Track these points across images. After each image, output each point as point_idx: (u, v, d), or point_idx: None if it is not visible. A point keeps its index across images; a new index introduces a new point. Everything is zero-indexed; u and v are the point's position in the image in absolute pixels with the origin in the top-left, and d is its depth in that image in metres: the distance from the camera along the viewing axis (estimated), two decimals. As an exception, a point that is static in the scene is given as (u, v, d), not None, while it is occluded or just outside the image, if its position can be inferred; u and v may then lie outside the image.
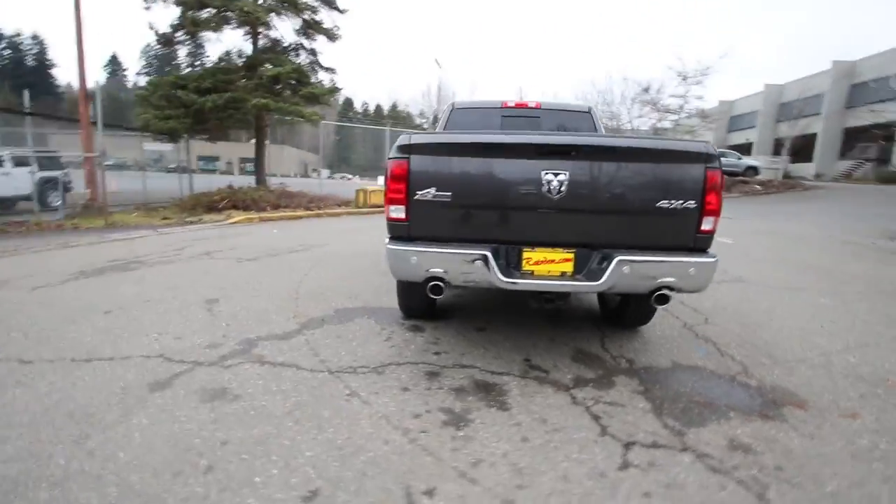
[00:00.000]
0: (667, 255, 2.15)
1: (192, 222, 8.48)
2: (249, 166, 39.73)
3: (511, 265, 2.24)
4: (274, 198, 10.59)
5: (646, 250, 2.17)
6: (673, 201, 2.13)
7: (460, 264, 2.17)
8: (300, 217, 9.75)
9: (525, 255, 2.25)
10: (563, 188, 2.12)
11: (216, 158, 41.92)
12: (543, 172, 2.13)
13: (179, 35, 9.90)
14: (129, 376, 2.24)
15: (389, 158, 2.28)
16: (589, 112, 3.89)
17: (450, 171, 2.20)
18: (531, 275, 2.24)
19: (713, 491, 1.56)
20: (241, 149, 39.79)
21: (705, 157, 2.13)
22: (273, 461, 1.62)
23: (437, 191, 2.19)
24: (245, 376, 2.25)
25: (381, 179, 15.35)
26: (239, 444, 1.71)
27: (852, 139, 27.68)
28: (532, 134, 2.30)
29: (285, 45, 11.50)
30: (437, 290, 2.23)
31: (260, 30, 10.86)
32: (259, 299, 3.55)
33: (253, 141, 11.92)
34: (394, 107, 74.12)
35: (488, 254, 2.14)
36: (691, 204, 2.14)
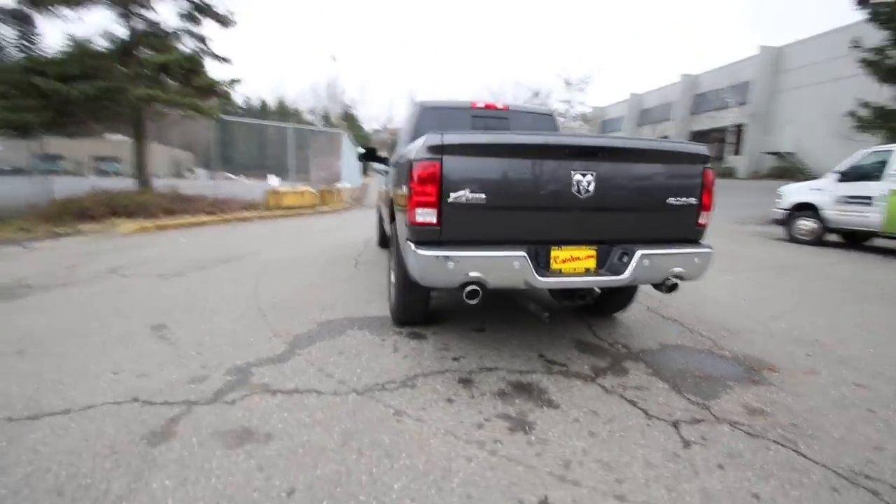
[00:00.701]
0: (675, 247, 2.37)
1: (65, 234, 7.01)
2: (105, 165, 33.76)
3: (541, 265, 2.27)
4: (166, 202, 9.22)
5: (655, 244, 2.37)
6: (680, 198, 2.35)
7: (500, 267, 2.14)
8: (205, 223, 8.65)
9: (553, 253, 2.30)
10: (590, 188, 2.21)
11: (59, 157, 34.78)
12: (573, 173, 2.19)
13: (29, 9, 8.01)
14: (108, 430, 1.80)
15: (416, 160, 2.15)
16: (551, 115, 4.10)
17: (483, 171, 2.15)
18: (560, 273, 2.30)
19: (763, 453, 1.77)
20: (91, 146, 33.72)
21: (703, 158, 2.39)
22: (363, 501, 1.43)
23: (471, 192, 2.12)
24: (262, 411, 1.95)
25: (272, 179, 14.30)
26: (311, 490, 1.48)
27: (697, 141, 33.11)
28: (565, 135, 2.35)
29: (168, 30, 10.04)
30: (475, 294, 2.16)
31: (136, 10, 9.33)
32: (219, 320, 3.08)
33: (113, 136, 10.21)
34: (280, 102, 69.54)
35: (526, 255, 2.15)
36: (693, 200, 2.38)
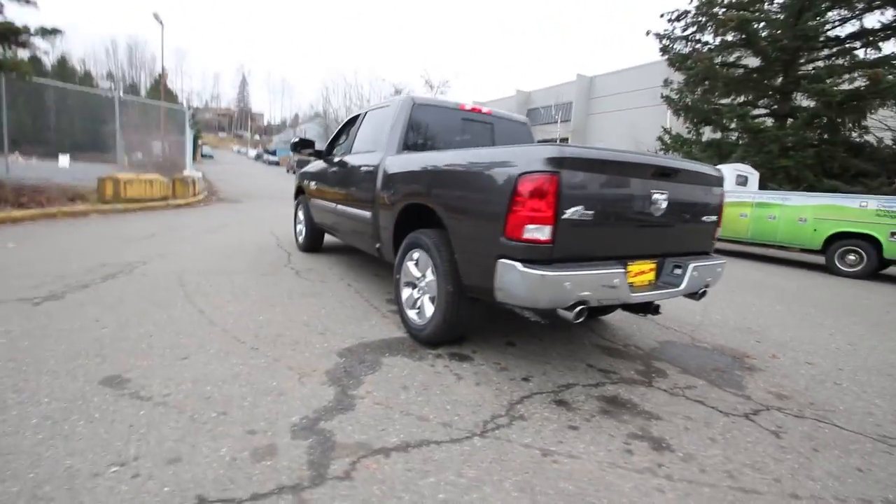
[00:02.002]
0: (707, 259, 2.69)
1: None
2: None
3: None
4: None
5: (691, 256, 2.65)
6: (710, 216, 2.68)
7: (605, 284, 2.11)
8: (19, 219, 6.31)
9: (629, 268, 2.37)
10: (663, 206, 2.35)
11: None
12: (653, 191, 2.29)
13: None
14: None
15: (530, 171, 1.96)
16: (526, 124, 4.17)
17: (592, 187, 2.09)
18: (633, 287, 2.39)
19: (820, 431, 2.15)
20: None
21: (721, 181, 2.76)
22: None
23: (584, 209, 2.04)
24: (398, 480, 1.55)
25: (63, 160, 10.98)
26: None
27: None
28: (655, 156, 2.40)
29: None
30: (582, 313, 2.09)
31: None
32: (202, 363, 2.31)
33: None
34: (62, 62, 54.92)
35: (623, 270, 2.17)
36: (715, 217, 2.74)
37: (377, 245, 3.45)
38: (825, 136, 12.00)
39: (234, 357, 2.40)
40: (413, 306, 2.90)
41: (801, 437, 2.09)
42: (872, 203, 6.92)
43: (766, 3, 12.94)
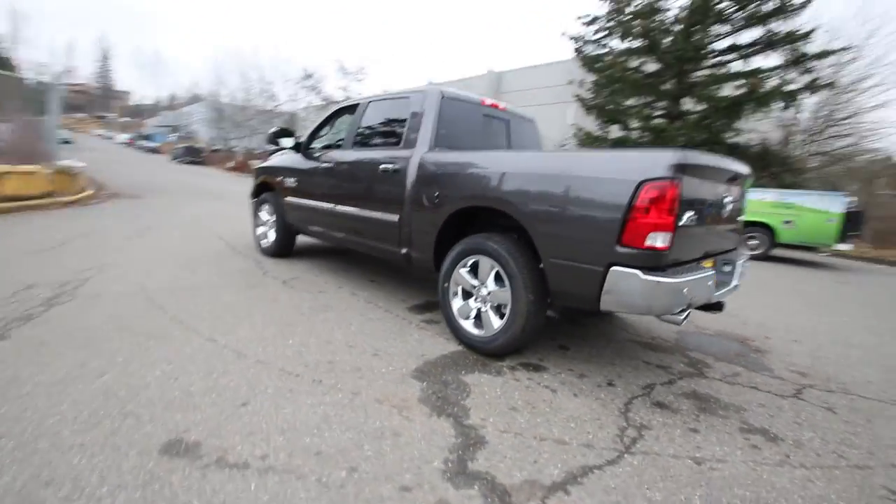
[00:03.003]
0: (741, 256, 2.93)
1: None
2: None
3: None
4: None
5: (729, 253, 2.87)
6: (742, 214, 2.91)
7: (703, 287, 2.18)
8: None
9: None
10: (729, 207, 2.49)
11: None
12: (725, 194, 2.42)
13: None
14: None
15: (651, 179, 1.93)
16: (533, 122, 4.12)
17: (697, 192, 2.12)
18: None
19: (855, 403, 2.48)
20: None
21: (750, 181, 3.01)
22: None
23: (693, 214, 2.08)
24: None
25: None
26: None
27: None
28: (732, 162, 2.46)
29: None
30: (687, 316, 2.14)
31: None
32: (264, 407, 1.91)
33: None
34: None
35: (713, 272, 2.26)
36: (742, 216, 2.99)
37: (403, 250, 3.17)
38: (711, 137, 13.91)
39: (305, 396, 2.03)
40: (467, 316, 2.73)
41: (848, 410, 2.38)
42: (770, 195, 8.20)
43: (663, 15, 14.49)
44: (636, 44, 14.67)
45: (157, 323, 2.74)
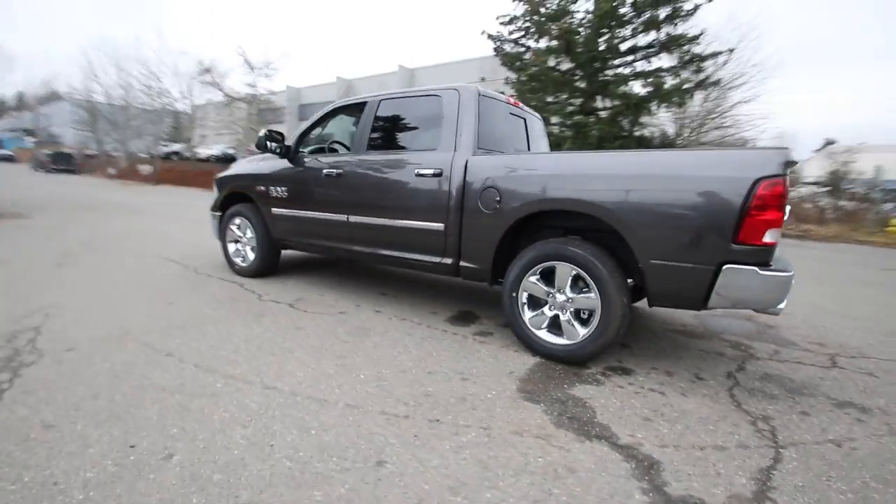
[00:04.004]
0: None
1: None
2: None
3: None
4: None
5: None
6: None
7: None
8: None
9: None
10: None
11: None
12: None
13: None
14: None
15: (767, 176, 1.96)
16: (542, 120, 4.06)
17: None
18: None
19: (879, 365, 2.82)
20: None
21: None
22: None
23: (788, 209, 2.16)
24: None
25: None
26: None
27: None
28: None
29: None
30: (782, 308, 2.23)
31: None
32: (402, 463, 1.61)
33: None
34: None
35: None
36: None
37: (447, 260, 2.94)
38: (622, 131, 15.20)
39: (437, 441, 1.75)
40: (540, 326, 2.60)
41: (884, 373, 2.69)
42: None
43: (573, 18, 15.46)
44: (553, 44, 15.47)
45: (183, 375, 2.21)
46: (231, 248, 4.36)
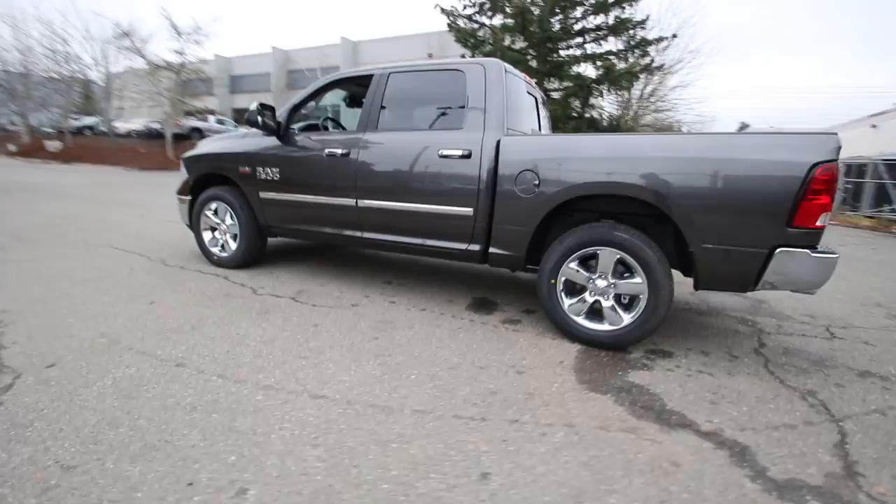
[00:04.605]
0: None
1: None
2: None
3: None
4: None
5: None
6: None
7: None
8: None
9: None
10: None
11: None
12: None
13: None
14: None
15: (824, 161, 2.00)
16: (545, 99, 3.93)
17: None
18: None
19: (878, 335, 3.09)
20: None
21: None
22: None
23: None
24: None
25: None
26: None
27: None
28: None
29: None
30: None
31: None
32: (505, 474, 1.50)
33: None
34: None
35: None
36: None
37: (475, 247, 2.80)
38: (572, 112, 15.55)
39: (529, 444, 1.65)
40: (580, 313, 2.56)
41: (878, 341, 2.94)
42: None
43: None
44: (509, 21, 15.34)
45: (210, 389, 1.92)
46: (206, 236, 3.90)
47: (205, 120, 24.23)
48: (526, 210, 2.58)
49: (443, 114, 2.90)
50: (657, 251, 2.33)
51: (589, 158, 2.42)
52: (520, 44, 16.45)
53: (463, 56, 16.49)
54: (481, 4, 15.76)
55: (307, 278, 3.63)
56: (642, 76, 16.48)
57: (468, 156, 2.69)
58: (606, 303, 2.49)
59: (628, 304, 2.48)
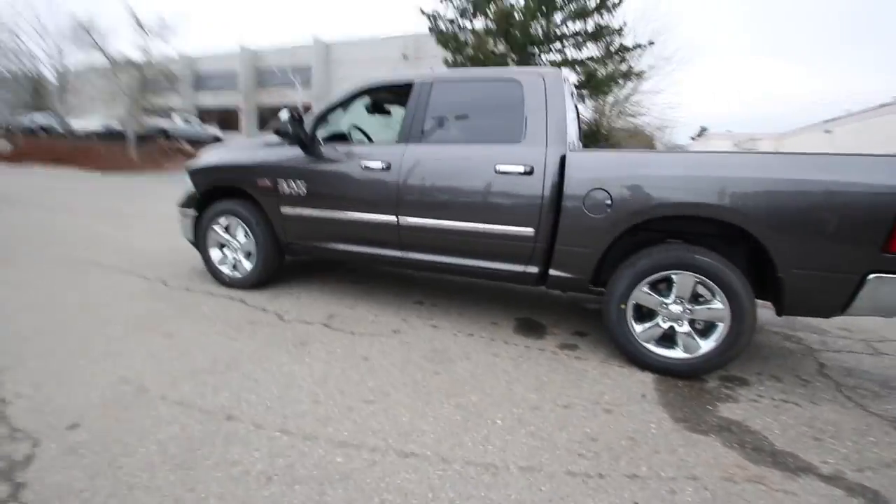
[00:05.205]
0: None
1: None
2: None
3: None
4: None
5: None
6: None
7: None
8: None
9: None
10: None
11: None
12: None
13: None
14: None
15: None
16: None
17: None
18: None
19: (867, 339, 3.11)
20: None
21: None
22: None
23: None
24: None
25: None
26: None
27: (268, 115, 33.78)
28: None
29: None
30: None
31: None
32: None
33: None
34: None
35: None
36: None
37: (533, 269, 2.62)
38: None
39: (658, 502, 1.48)
40: (651, 339, 2.42)
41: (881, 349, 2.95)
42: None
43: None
44: (491, 25, 15.29)
45: (277, 449, 1.65)
46: (215, 254, 3.55)
47: (170, 120, 23.04)
48: (595, 231, 2.42)
49: (495, 126, 2.71)
50: (740, 276, 2.22)
51: (670, 177, 2.28)
52: (501, 47, 16.47)
53: (447, 61, 16.34)
54: (464, 8, 15.64)
55: (331, 300, 3.35)
56: (621, 81, 16.81)
57: (530, 172, 2.51)
58: (681, 329, 2.36)
59: (703, 330, 2.36)
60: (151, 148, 19.58)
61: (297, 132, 2.91)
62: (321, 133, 3.22)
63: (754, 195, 2.13)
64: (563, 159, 2.48)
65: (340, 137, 3.36)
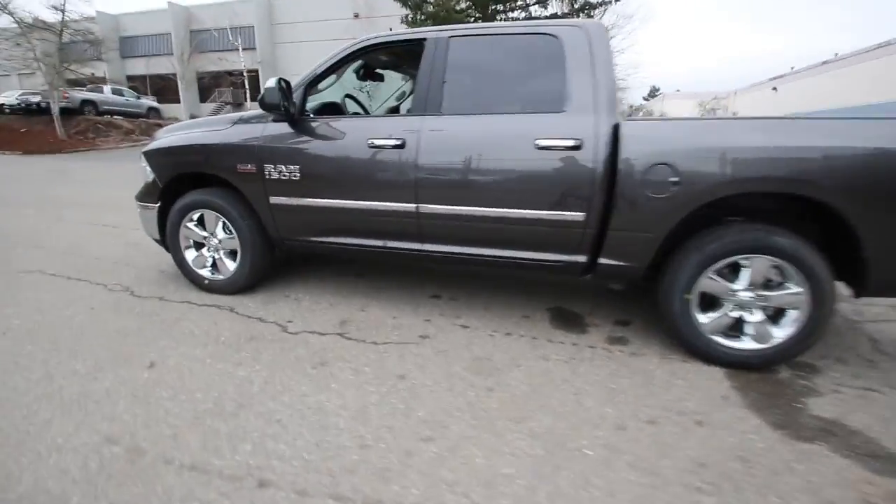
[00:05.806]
0: None
1: None
2: None
3: None
4: None
5: None
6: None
7: None
8: None
9: None
10: None
11: None
12: None
13: None
14: None
15: None
16: None
17: None
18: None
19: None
20: None
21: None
22: None
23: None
24: None
25: None
26: None
27: (208, 83, 31.00)
28: None
29: None
30: None
31: None
32: None
33: None
34: None
35: None
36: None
37: (579, 258, 2.31)
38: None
39: None
40: (718, 330, 2.19)
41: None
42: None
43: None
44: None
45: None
46: (189, 255, 3.00)
47: (99, 91, 20.64)
48: (657, 213, 2.10)
49: (530, 92, 2.29)
50: (821, 258, 1.99)
51: (749, 147, 1.97)
52: (463, 4, 15.60)
53: (405, 19, 15.31)
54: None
55: (337, 301, 2.92)
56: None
57: (578, 146, 2.13)
58: (752, 318, 2.14)
59: (773, 317, 2.14)
60: (81, 124, 17.54)
61: (289, 106, 2.37)
62: (310, 105, 2.69)
63: (844, 167, 1.87)
64: (615, 130, 2.12)
65: (333, 109, 2.84)
